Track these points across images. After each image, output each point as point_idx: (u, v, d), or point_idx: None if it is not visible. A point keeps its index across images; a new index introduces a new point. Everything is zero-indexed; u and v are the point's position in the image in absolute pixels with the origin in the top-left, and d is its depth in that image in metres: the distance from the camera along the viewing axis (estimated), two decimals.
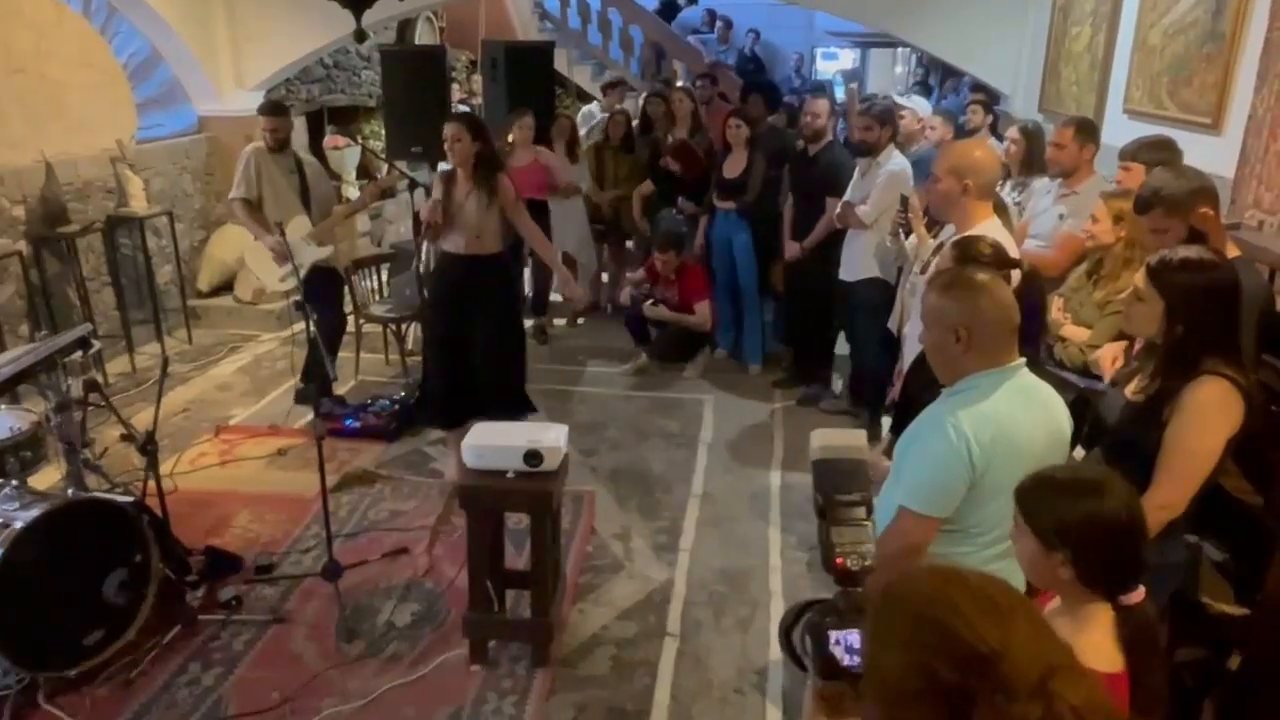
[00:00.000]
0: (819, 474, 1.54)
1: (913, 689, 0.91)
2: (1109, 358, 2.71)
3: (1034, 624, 0.95)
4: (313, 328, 3.46)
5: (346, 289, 5.38)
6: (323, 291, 4.80)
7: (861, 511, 1.49)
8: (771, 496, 4.30)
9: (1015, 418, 1.94)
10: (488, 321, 4.31)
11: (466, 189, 4.18)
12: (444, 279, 4.38)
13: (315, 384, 4.60)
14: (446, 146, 4.13)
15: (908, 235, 3.84)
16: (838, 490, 1.51)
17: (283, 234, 4.06)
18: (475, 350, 4.30)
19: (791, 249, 5.08)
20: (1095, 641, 1.50)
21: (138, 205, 5.79)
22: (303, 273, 4.53)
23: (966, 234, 2.80)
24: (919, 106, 5.57)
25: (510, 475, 2.95)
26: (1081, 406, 2.53)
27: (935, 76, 10.56)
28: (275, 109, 4.89)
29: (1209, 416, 2.05)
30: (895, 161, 4.54)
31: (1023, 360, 2.02)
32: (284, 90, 7.52)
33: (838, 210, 4.71)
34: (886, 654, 0.96)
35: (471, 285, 4.27)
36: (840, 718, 1.24)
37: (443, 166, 4.65)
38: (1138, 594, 1.55)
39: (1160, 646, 1.60)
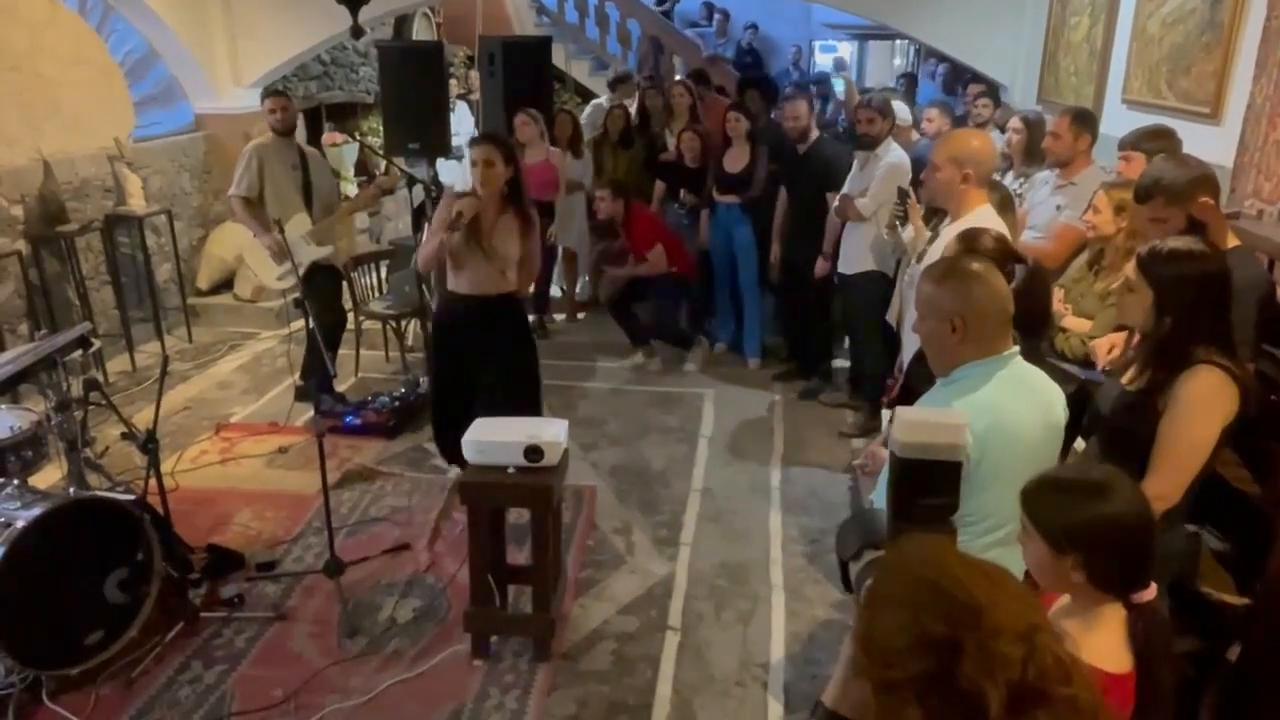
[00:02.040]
0: (904, 471, 1.37)
1: (903, 645, 0.92)
2: (1104, 346, 2.71)
3: (1023, 593, 0.97)
4: (311, 324, 3.45)
5: (345, 285, 5.38)
6: (322, 288, 4.80)
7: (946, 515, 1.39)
8: (772, 490, 4.30)
9: (1010, 406, 1.94)
10: (515, 370, 3.89)
11: (494, 219, 3.68)
12: (459, 324, 3.77)
13: (315, 381, 4.60)
14: (475, 170, 3.61)
15: (903, 225, 3.84)
16: (923, 493, 1.37)
17: (281, 232, 4.06)
18: (493, 395, 3.76)
19: (822, 267, 4.97)
20: (1104, 641, 1.49)
21: (136, 204, 5.79)
22: (301, 271, 4.53)
23: (971, 226, 2.81)
24: (898, 111, 5.55)
25: (511, 470, 2.95)
26: (1082, 398, 2.53)
27: (924, 67, 10.50)
28: (274, 92, 4.89)
29: (1203, 406, 2.05)
30: (894, 154, 4.53)
31: (1016, 349, 2.02)
32: (281, 87, 7.50)
33: (836, 204, 4.71)
34: (881, 616, 0.97)
35: (496, 329, 3.78)
36: None
37: (449, 184, 4.39)
38: (1150, 592, 1.54)
39: (1170, 647, 1.59)
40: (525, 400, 3.96)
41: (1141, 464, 2.07)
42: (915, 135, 5.41)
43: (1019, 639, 0.90)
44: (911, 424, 1.40)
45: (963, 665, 0.87)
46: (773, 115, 6.16)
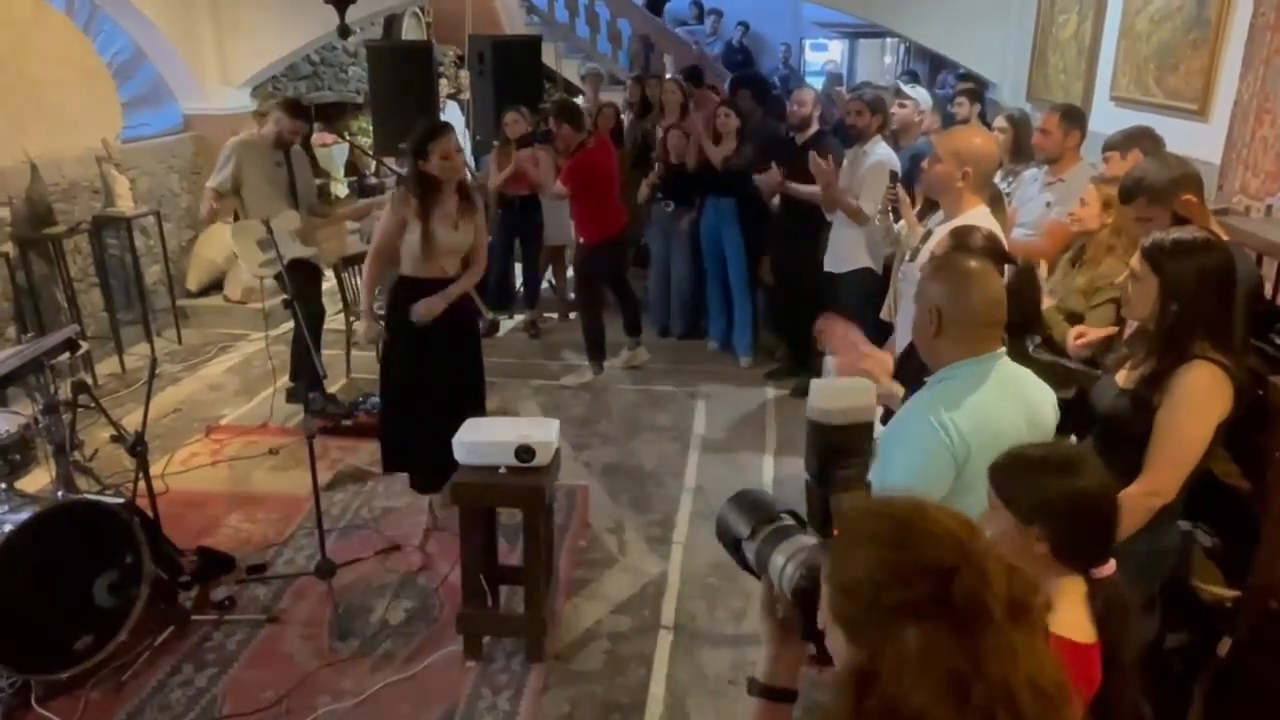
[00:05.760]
0: (817, 436, 1.44)
1: (889, 575, 0.96)
2: (1075, 334, 2.74)
3: (979, 528, 1.04)
4: (300, 323, 3.44)
5: (337, 285, 5.37)
6: (302, 285, 4.77)
7: (860, 479, 1.45)
8: (764, 488, 4.30)
9: (995, 407, 1.94)
10: (470, 355, 3.89)
11: (454, 205, 3.69)
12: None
13: (305, 380, 4.58)
14: (443, 159, 3.57)
15: (897, 219, 3.83)
16: (837, 457, 1.44)
17: (269, 230, 4.05)
18: (448, 393, 3.71)
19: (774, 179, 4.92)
20: (1068, 614, 1.52)
21: (124, 205, 5.75)
22: (284, 261, 4.50)
23: (963, 224, 2.80)
24: (920, 97, 5.55)
25: (502, 471, 2.94)
26: (1082, 400, 2.53)
27: (923, 65, 10.55)
28: (303, 112, 4.84)
29: (1198, 402, 2.05)
30: (880, 150, 4.54)
31: (1002, 350, 2.01)
32: (270, 87, 7.47)
33: (824, 189, 4.61)
34: (861, 554, 1.00)
35: (460, 315, 3.80)
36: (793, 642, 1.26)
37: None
38: (1109, 567, 1.58)
39: (1131, 618, 1.62)
40: (477, 395, 3.94)
41: (1139, 460, 2.08)
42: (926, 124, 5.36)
43: (996, 559, 0.98)
44: (829, 392, 1.47)
45: (959, 584, 0.94)
46: (784, 111, 6.16)
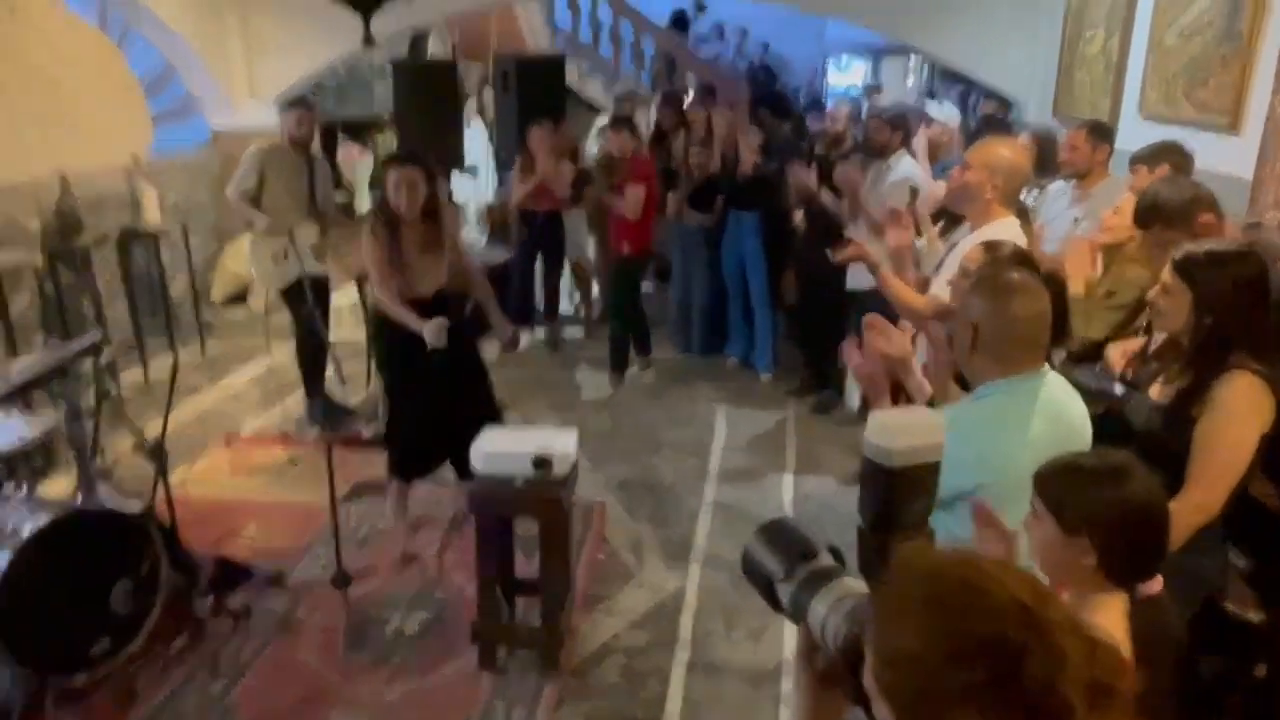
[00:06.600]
0: (876, 480, 1.21)
1: (943, 652, 0.83)
2: (1118, 354, 2.68)
3: (1045, 586, 0.90)
4: (303, 340, 3.41)
5: (359, 297, 5.40)
6: (317, 300, 4.79)
7: (923, 525, 1.25)
8: (784, 505, 4.25)
9: (1032, 425, 1.89)
10: (469, 360, 3.81)
11: (417, 233, 3.59)
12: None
13: (320, 398, 4.59)
14: (398, 191, 3.45)
15: (919, 234, 3.79)
16: (899, 503, 1.22)
17: (292, 240, 4.08)
18: (450, 400, 3.69)
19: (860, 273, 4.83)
20: (1103, 630, 1.45)
21: (152, 218, 5.82)
22: (294, 275, 4.52)
23: (992, 238, 2.76)
24: (949, 117, 5.50)
25: (519, 482, 2.92)
26: (1110, 415, 2.48)
27: (953, 86, 10.48)
28: (297, 102, 4.91)
29: (1241, 412, 2.00)
30: (904, 166, 4.51)
31: (1045, 369, 1.96)
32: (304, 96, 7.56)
33: (850, 198, 4.58)
34: (907, 624, 0.86)
35: (459, 345, 3.68)
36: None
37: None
38: (1156, 583, 1.52)
39: (1174, 640, 1.56)
40: (489, 401, 3.91)
41: (1177, 477, 2.02)
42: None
43: (1074, 632, 0.84)
44: (895, 429, 1.24)
45: (1029, 669, 0.80)
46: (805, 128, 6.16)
